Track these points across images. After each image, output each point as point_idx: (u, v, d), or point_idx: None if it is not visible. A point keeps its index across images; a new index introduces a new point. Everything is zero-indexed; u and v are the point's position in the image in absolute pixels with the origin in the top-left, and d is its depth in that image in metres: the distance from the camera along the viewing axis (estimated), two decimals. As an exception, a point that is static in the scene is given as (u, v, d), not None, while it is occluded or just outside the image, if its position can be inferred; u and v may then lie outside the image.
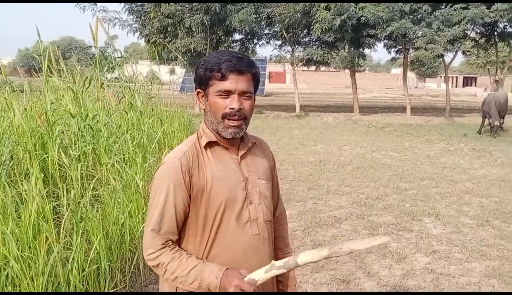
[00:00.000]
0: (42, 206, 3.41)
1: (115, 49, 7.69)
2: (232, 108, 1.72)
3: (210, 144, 1.81)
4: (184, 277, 1.68)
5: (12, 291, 2.92)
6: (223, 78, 1.71)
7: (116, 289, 3.78)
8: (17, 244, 2.99)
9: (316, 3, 19.72)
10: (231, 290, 1.60)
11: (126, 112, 6.44)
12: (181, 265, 1.69)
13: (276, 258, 2.00)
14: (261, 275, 1.65)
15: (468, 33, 20.15)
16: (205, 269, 1.67)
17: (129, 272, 4.07)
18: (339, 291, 4.24)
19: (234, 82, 1.72)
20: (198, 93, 1.83)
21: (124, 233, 4.10)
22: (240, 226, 1.79)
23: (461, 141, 14.05)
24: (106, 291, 3.49)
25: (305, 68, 25.98)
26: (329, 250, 1.64)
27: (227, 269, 1.67)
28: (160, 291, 1.87)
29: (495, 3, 18.19)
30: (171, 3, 19.79)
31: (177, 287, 1.78)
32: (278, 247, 2.06)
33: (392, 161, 10.58)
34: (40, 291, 2.98)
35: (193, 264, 1.69)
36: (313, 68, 25.13)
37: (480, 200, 7.30)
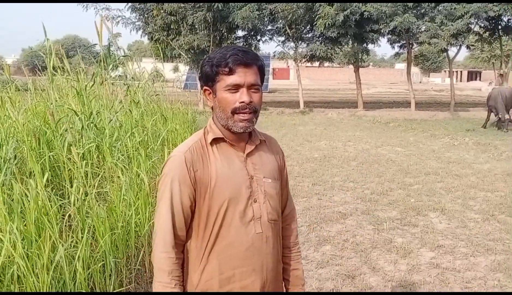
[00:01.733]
0: (45, 204, 3.41)
1: (118, 47, 7.68)
2: (243, 102, 1.71)
3: (216, 141, 1.79)
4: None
5: (19, 288, 2.93)
6: (230, 72, 1.70)
7: (121, 288, 3.80)
8: (22, 242, 2.99)
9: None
10: None
11: (131, 111, 6.43)
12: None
13: (283, 257, 1.99)
14: None
15: (472, 27, 20.05)
16: None
17: (135, 269, 4.08)
18: (344, 286, 4.24)
19: (242, 76, 1.71)
20: (205, 90, 1.80)
21: (129, 230, 4.11)
22: (244, 224, 1.77)
23: (466, 135, 14.00)
24: (112, 289, 3.50)
25: (308, 64, 25.83)
26: None
27: None
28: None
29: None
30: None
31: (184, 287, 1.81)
32: (286, 246, 2.03)
33: (397, 156, 10.56)
34: (45, 288, 2.99)
35: None
36: (317, 64, 24.99)
37: (485, 195, 7.28)
